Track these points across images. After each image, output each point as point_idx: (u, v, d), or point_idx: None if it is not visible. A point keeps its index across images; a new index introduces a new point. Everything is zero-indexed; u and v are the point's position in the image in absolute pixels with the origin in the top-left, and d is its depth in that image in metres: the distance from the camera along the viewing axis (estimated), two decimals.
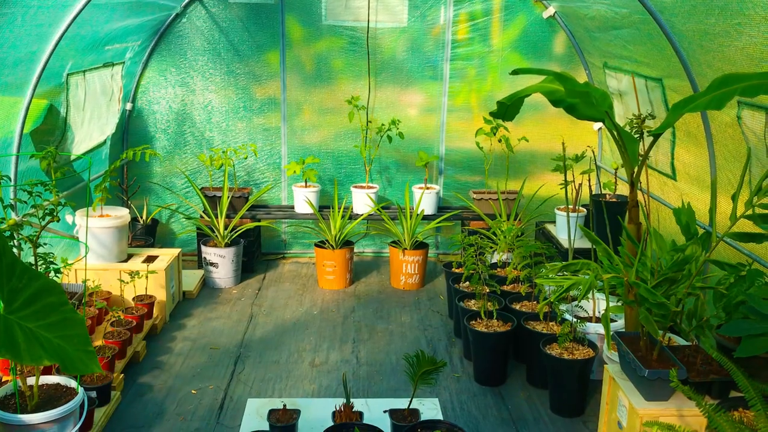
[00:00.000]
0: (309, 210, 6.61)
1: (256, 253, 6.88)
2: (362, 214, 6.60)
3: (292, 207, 6.87)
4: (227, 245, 6.25)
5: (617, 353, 3.72)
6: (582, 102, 3.84)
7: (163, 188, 6.95)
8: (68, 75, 5.05)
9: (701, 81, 4.26)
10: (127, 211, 5.52)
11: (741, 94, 3.06)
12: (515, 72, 3.95)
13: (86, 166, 5.64)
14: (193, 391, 4.42)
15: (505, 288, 5.27)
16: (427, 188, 6.67)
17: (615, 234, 5.15)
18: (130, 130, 6.82)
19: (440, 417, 4.04)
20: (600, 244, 3.99)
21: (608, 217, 5.28)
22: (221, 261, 6.19)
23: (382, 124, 6.62)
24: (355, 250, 6.87)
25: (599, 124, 6.68)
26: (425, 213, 6.62)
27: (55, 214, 3.79)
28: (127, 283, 5.13)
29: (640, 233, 4.01)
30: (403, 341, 5.23)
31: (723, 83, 3.18)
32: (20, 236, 3.73)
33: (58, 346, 2.12)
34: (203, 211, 6.56)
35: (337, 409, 3.75)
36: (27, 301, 2.15)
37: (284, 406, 3.80)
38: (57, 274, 3.95)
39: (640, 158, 3.95)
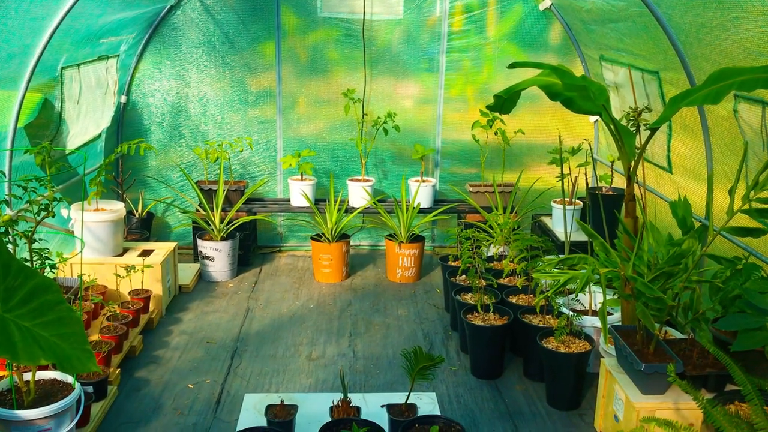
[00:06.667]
0: (305, 203, 6.59)
1: (252, 247, 6.87)
2: (358, 208, 6.59)
3: (288, 200, 6.85)
4: (223, 239, 6.24)
5: (614, 347, 3.73)
6: (579, 96, 3.83)
7: (159, 182, 6.93)
8: (63, 68, 5.01)
9: (698, 74, 4.26)
10: (123, 204, 5.50)
11: (738, 89, 3.06)
12: (512, 65, 3.95)
13: (81, 159, 5.62)
14: (190, 386, 4.42)
15: (502, 281, 5.28)
16: (424, 181, 6.66)
17: (611, 227, 5.15)
18: (125, 123, 6.79)
19: (437, 411, 4.05)
20: (596, 237, 3.99)
21: (604, 210, 5.28)
22: (217, 254, 6.18)
23: (378, 117, 6.60)
24: (352, 244, 6.86)
25: (596, 117, 6.67)
26: (421, 206, 6.61)
27: (50, 209, 3.78)
28: (123, 277, 5.11)
29: (637, 227, 4.01)
30: (400, 335, 5.24)
31: (720, 77, 3.18)
32: (15, 232, 3.72)
33: (54, 344, 2.12)
34: (199, 205, 6.54)
35: (335, 404, 3.76)
36: (23, 299, 2.14)
37: (282, 401, 3.80)
38: (52, 270, 3.94)
39: (637, 151, 3.95)
